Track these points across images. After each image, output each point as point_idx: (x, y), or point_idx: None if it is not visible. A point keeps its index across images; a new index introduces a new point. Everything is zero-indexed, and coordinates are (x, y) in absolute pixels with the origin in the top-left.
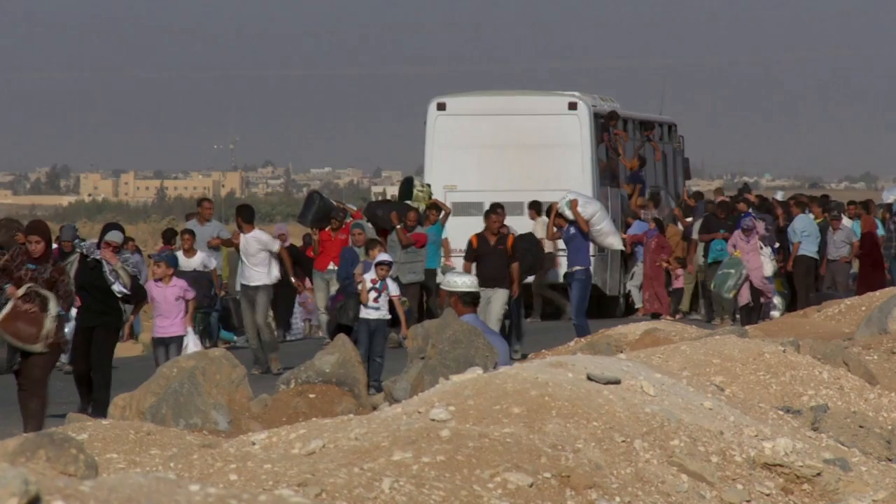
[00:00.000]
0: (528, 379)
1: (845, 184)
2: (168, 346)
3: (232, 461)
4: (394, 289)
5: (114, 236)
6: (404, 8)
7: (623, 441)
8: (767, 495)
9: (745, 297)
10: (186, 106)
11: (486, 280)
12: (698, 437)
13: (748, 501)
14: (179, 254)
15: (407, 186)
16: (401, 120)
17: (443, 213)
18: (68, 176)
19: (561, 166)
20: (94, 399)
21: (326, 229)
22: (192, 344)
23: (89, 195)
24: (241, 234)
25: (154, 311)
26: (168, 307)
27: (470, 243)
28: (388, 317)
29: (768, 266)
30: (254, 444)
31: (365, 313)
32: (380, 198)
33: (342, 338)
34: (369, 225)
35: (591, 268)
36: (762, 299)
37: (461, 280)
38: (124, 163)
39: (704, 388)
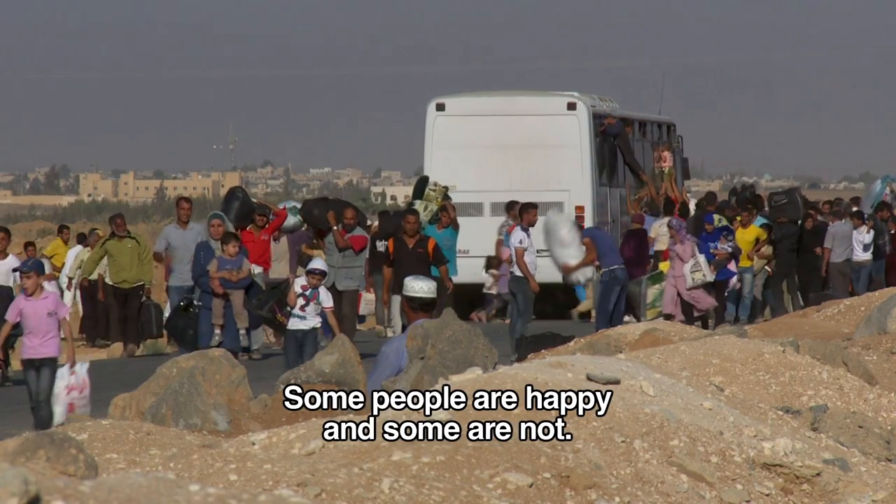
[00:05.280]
0: (528, 379)
1: (844, 184)
2: (39, 369)
3: (232, 461)
4: (326, 299)
5: None
6: (405, 8)
7: (623, 441)
8: (767, 495)
9: (668, 307)
10: (186, 106)
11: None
12: (698, 437)
13: (748, 501)
14: None
15: (421, 186)
16: (401, 120)
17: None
18: (68, 176)
19: (560, 166)
20: None
21: (248, 228)
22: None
23: (89, 195)
24: None
25: (24, 329)
26: (39, 324)
27: (386, 247)
28: (318, 325)
29: (688, 277)
30: (253, 444)
31: (291, 323)
32: (379, 198)
33: (342, 338)
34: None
35: (623, 268)
36: (695, 312)
37: (410, 284)
38: (124, 163)
39: (704, 388)
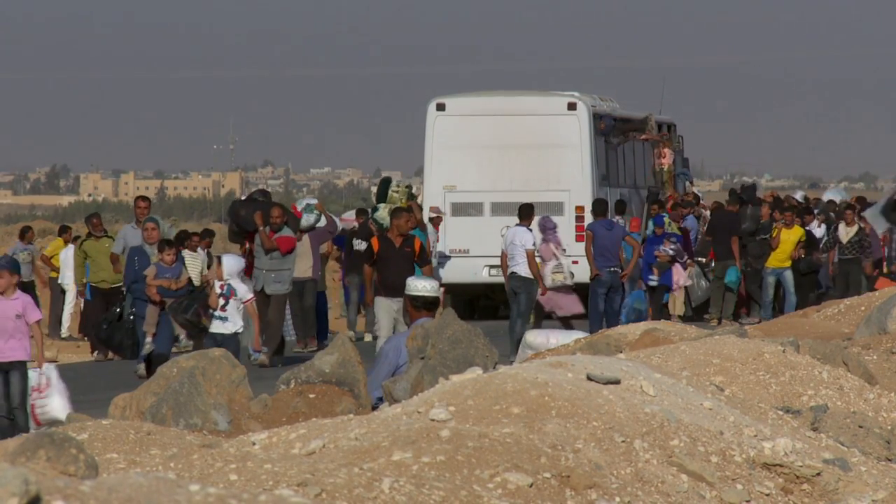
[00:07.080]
0: (528, 379)
1: (845, 184)
2: (7, 373)
3: (232, 461)
4: (245, 293)
5: None
6: (404, 7)
7: (623, 441)
8: (767, 495)
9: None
10: (186, 106)
11: (390, 289)
12: (698, 437)
13: (748, 501)
14: None
15: (384, 187)
16: (400, 120)
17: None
18: (68, 176)
19: (560, 167)
20: None
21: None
22: (56, 392)
23: (89, 195)
24: None
25: None
26: (4, 325)
27: (370, 246)
28: (240, 329)
29: (548, 277)
30: (254, 444)
31: (213, 325)
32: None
33: (342, 337)
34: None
35: (612, 271)
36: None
37: (413, 284)
38: (124, 163)
39: (704, 388)
